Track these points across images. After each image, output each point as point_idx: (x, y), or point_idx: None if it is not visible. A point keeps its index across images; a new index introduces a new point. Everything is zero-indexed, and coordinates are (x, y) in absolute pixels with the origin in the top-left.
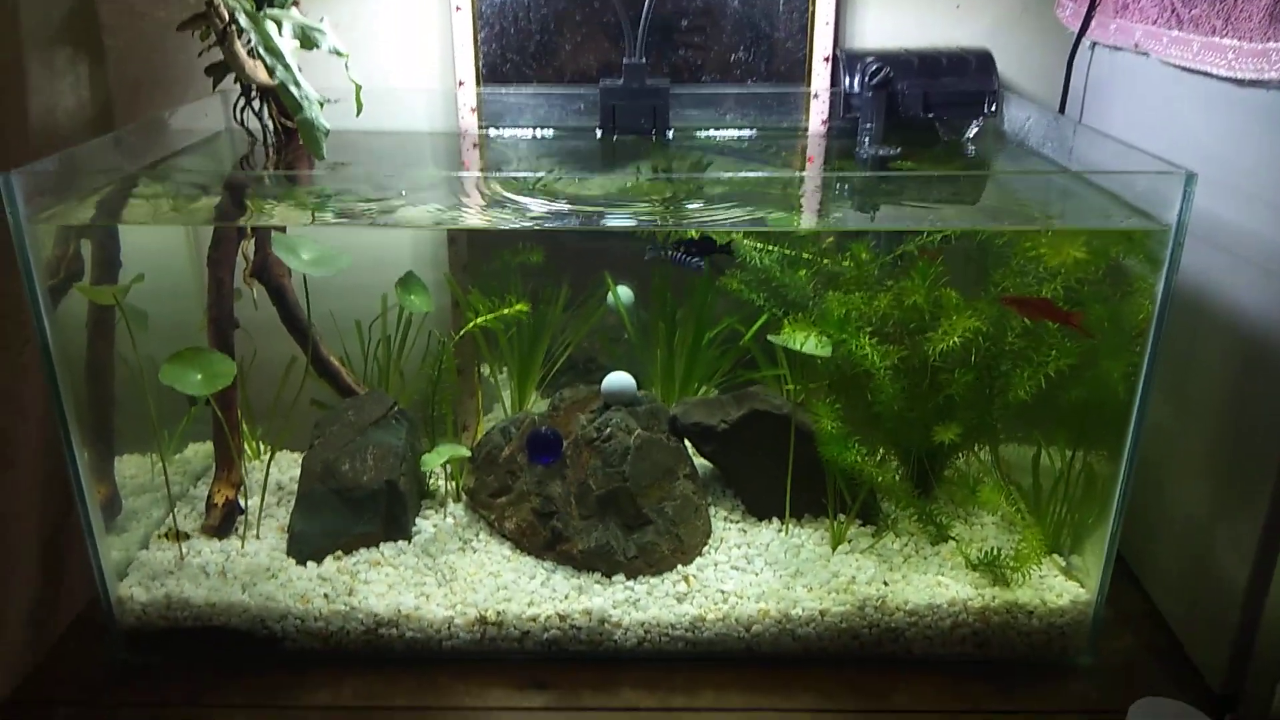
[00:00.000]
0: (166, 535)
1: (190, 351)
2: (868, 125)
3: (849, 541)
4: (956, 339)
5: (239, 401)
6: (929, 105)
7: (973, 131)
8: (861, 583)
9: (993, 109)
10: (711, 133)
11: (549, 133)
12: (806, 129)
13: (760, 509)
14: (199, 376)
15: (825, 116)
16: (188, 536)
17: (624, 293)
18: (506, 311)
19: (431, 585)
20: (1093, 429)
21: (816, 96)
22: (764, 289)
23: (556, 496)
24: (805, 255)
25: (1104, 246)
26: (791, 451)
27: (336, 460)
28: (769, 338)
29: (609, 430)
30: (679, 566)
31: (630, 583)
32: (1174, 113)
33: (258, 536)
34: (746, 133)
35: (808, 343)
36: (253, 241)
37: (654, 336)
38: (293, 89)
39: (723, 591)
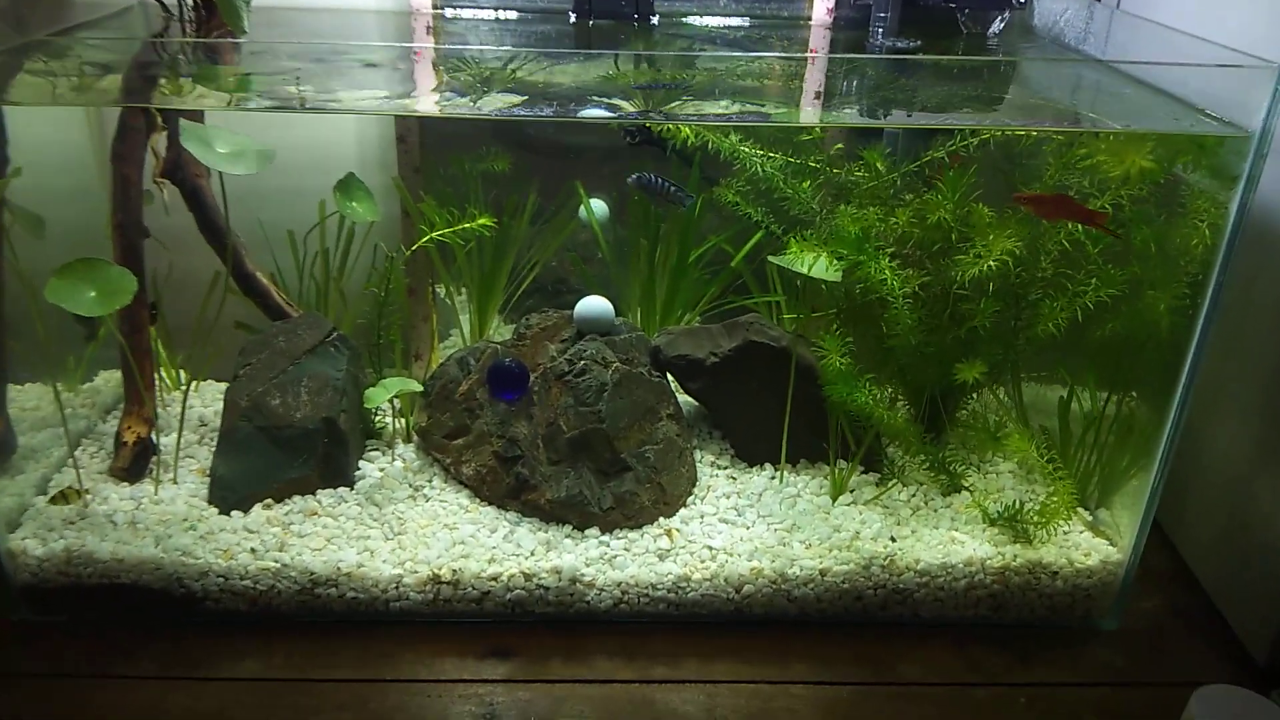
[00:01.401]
0: (55, 500)
1: (82, 263)
2: (881, 14)
3: (851, 491)
4: (992, 263)
5: (148, 321)
6: None
7: (999, 25)
8: (866, 538)
9: (1021, 0)
10: (701, 20)
11: (513, 15)
12: (809, 18)
13: (751, 453)
14: (93, 293)
15: (832, 4)
16: (82, 495)
17: (598, 206)
18: (467, 225)
19: (377, 538)
20: (1131, 368)
21: None
22: (762, 202)
23: (522, 438)
24: (811, 163)
25: (1167, 157)
26: (791, 389)
27: (265, 394)
28: (769, 259)
29: (582, 363)
30: (661, 519)
31: (605, 537)
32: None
33: (174, 481)
34: (740, 21)
35: (816, 265)
36: (164, 135)
37: (632, 255)
38: None
39: (710, 547)
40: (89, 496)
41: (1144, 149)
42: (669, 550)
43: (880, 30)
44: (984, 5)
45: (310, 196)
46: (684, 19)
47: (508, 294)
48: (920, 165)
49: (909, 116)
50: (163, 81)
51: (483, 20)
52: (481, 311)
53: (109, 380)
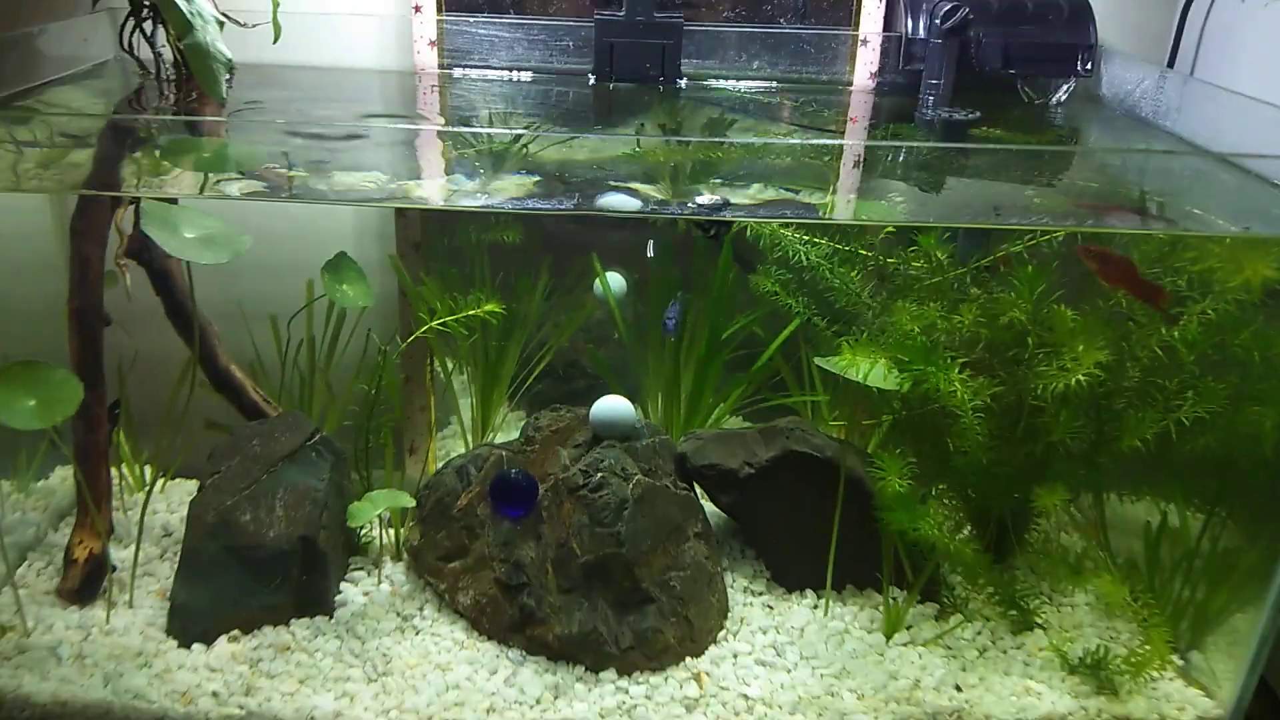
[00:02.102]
0: None
1: (20, 368)
2: (934, 81)
3: (908, 628)
4: (1081, 376)
5: (106, 422)
6: (1010, 59)
7: (1063, 94)
8: (928, 688)
9: (1088, 67)
10: (732, 84)
11: (527, 76)
12: (850, 83)
13: (790, 576)
14: (32, 403)
15: (875, 68)
16: (6, 632)
17: (614, 281)
18: (471, 313)
19: (358, 680)
20: (1230, 490)
21: (865, 42)
22: (805, 292)
23: (528, 563)
24: (860, 251)
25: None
26: (839, 507)
27: (234, 508)
28: (818, 361)
29: (599, 475)
30: (688, 660)
31: (623, 681)
32: None
33: (130, 605)
34: (772, 85)
35: (874, 373)
36: (131, 209)
37: (653, 338)
38: (180, 2)
39: (746, 697)
40: (31, 625)
41: (1269, 256)
42: (698, 700)
43: (931, 99)
44: (1047, 73)
45: (298, 273)
46: (712, 82)
47: (513, 379)
48: (993, 259)
49: (973, 215)
50: (136, 157)
51: (494, 81)
52: (486, 399)
53: (66, 479)
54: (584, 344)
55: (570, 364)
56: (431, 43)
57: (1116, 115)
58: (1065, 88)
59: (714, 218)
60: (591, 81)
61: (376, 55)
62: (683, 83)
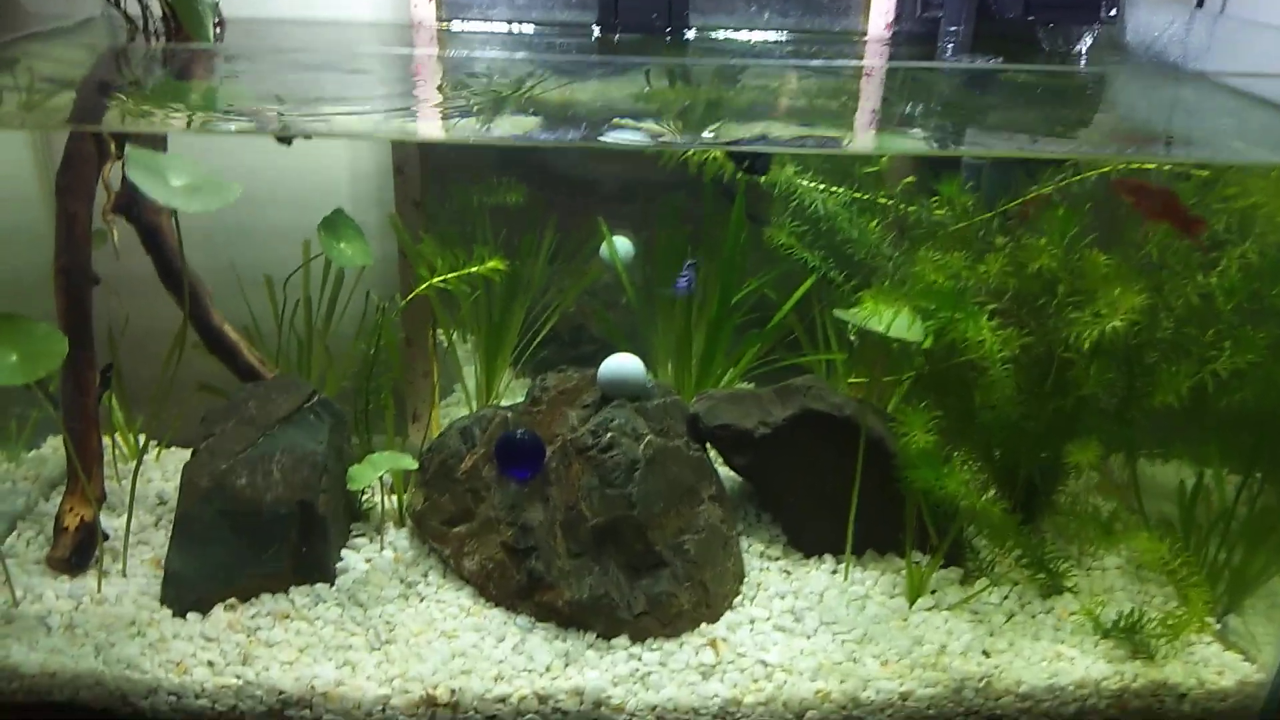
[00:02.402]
0: None
1: (1, 321)
2: (953, 28)
3: (932, 592)
4: (1118, 323)
5: (96, 385)
6: (1031, 5)
7: (1086, 42)
8: (955, 653)
9: (1112, 13)
10: (740, 35)
11: (529, 29)
12: (864, 33)
13: (808, 541)
14: (13, 357)
15: (891, 18)
16: None
17: (622, 244)
18: (473, 269)
19: (360, 649)
20: (1271, 446)
21: None
22: (821, 245)
23: (536, 526)
24: (880, 199)
25: None
26: (859, 467)
27: (230, 471)
28: (837, 313)
29: (609, 435)
30: (703, 625)
31: (637, 648)
32: None
33: (124, 574)
34: (783, 36)
35: (897, 322)
36: (118, 165)
37: (662, 302)
38: None
39: (764, 663)
40: (20, 595)
41: None
42: (714, 666)
43: (951, 45)
44: (1069, 19)
45: (293, 235)
46: (720, 32)
47: (519, 343)
48: (1021, 202)
49: (1006, 141)
50: (120, 100)
51: (493, 34)
52: (490, 365)
53: (57, 449)
54: (591, 308)
55: (576, 328)
56: None
57: (1142, 62)
58: (1088, 36)
59: (751, 148)
60: (596, 34)
61: (371, 7)
62: (690, 34)
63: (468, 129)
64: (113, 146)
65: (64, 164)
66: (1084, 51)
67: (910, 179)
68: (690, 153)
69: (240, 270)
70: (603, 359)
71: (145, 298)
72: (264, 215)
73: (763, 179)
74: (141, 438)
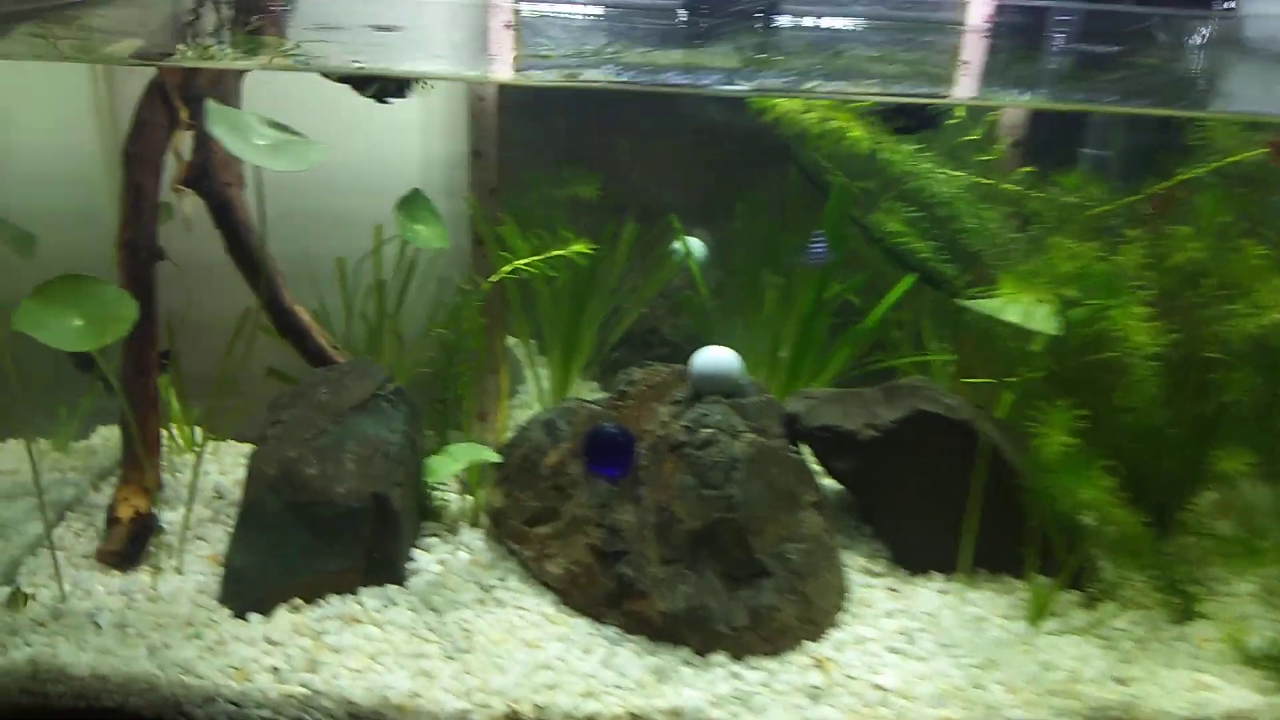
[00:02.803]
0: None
1: (64, 282)
2: (1065, 16)
3: (1056, 615)
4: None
5: (157, 366)
6: None
7: (1202, 35)
8: (1088, 680)
9: (1229, 5)
10: (832, 22)
11: (604, 10)
12: (964, 22)
13: (913, 558)
14: (79, 322)
15: (992, 7)
16: (26, 601)
17: (694, 244)
18: (558, 252)
19: (435, 657)
20: None
21: None
22: (934, 233)
23: (626, 528)
24: (1005, 186)
25: None
26: (979, 477)
27: (300, 460)
28: (961, 303)
29: (706, 431)
30: (806, 643)
31: (737, 666)
32: None
33: (179, 570)
34: (877, 24)
35: (1031, 312)
36: (190, 136)
37: (741, 304)
38: None
39: (880, 687)
40: (67, 590)
41: None
42: (822, 689)
43: (1063, 35)
44: (1184, 8)
45: (360, 225)
46: (812, 20)
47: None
48: (1163, 190)
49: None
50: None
51: (570, 16)
52: (565, 364)
53: (108, 439)
54: (664, 309)
55: (649, 331)
56: None
57: (1265, 58)
58: (1204, 28)
59: (905, 99)
60: (682, 18)
61: None
62: (783, 20)
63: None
64: (184, 114)
65: (133, 132)
66: (1200, 44)
67: (1027, 169)
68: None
69: (308, 258)
70: (677, 362)
71: (207, 281)
72: (333, 201)
73: (930, 131)
74: (198, 431)
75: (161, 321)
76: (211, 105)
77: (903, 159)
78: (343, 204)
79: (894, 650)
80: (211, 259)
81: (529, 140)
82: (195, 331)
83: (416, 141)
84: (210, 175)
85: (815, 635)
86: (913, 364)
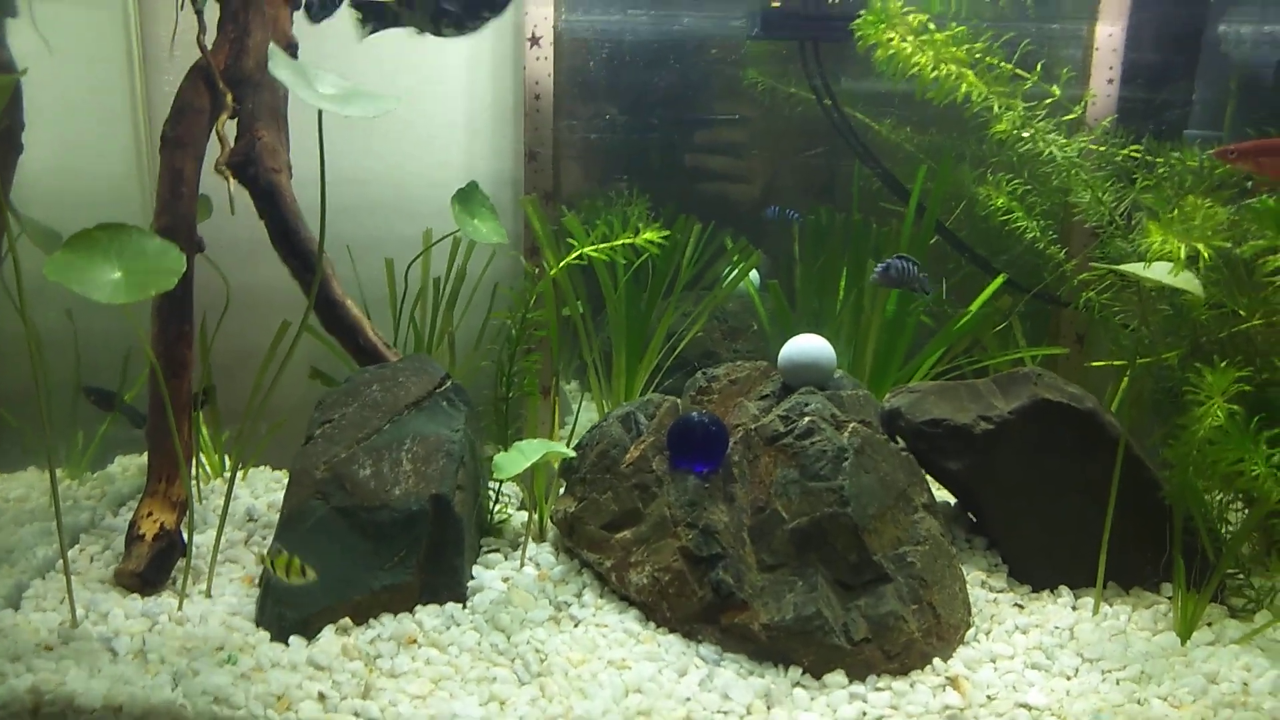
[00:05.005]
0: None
1: (103, 232)
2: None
3: (1209, 625)
4: None
5: (194, 369)
6: None
7: None
8: (1263, 693)
9: None
10: None
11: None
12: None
13: (1033, 571)
14: (117, 274)
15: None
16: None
17: (752, 275)
18: (631, 239)
19: (507, 682)
20: None
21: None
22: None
23: (721, 529)
24: (1127, 152)
25: None
26: (1116, 475)
27: (351, 460)
28: (1093, 264)
29: (807, 420)
30: (935, 661)
31: (859, 687)
32: None
33: (208, 593)
34: None
35: (1180, 271)
36: (231, 118)
37: (797, 325)
38: None
39: (1027, 706)
40: (80, 614)
41: None
42: (962, 710)
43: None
44: None
45: (414, 219)
46: None
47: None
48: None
49: None
50: None
51: None
52: (630, 372)
53: (127, 468)
54: (722, 330)
55: (706, 354)
56: None
57: None
58: None
59: None
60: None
61: None
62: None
63: None
64: (228, 98)
65: (173, 115)
66: None
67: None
68: None
69: (355, 252)
70: None
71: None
72: (383, 196)
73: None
74: (226, 460)
75: (195, 345)
76: (273, 50)
77: (1010, 121)
78: (397, 198)
79: (1035, 666)
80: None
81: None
82: (234, 339)
83: (460, 153)
84: (256, 161)
85: (944, 652)
86: (1012, 362)
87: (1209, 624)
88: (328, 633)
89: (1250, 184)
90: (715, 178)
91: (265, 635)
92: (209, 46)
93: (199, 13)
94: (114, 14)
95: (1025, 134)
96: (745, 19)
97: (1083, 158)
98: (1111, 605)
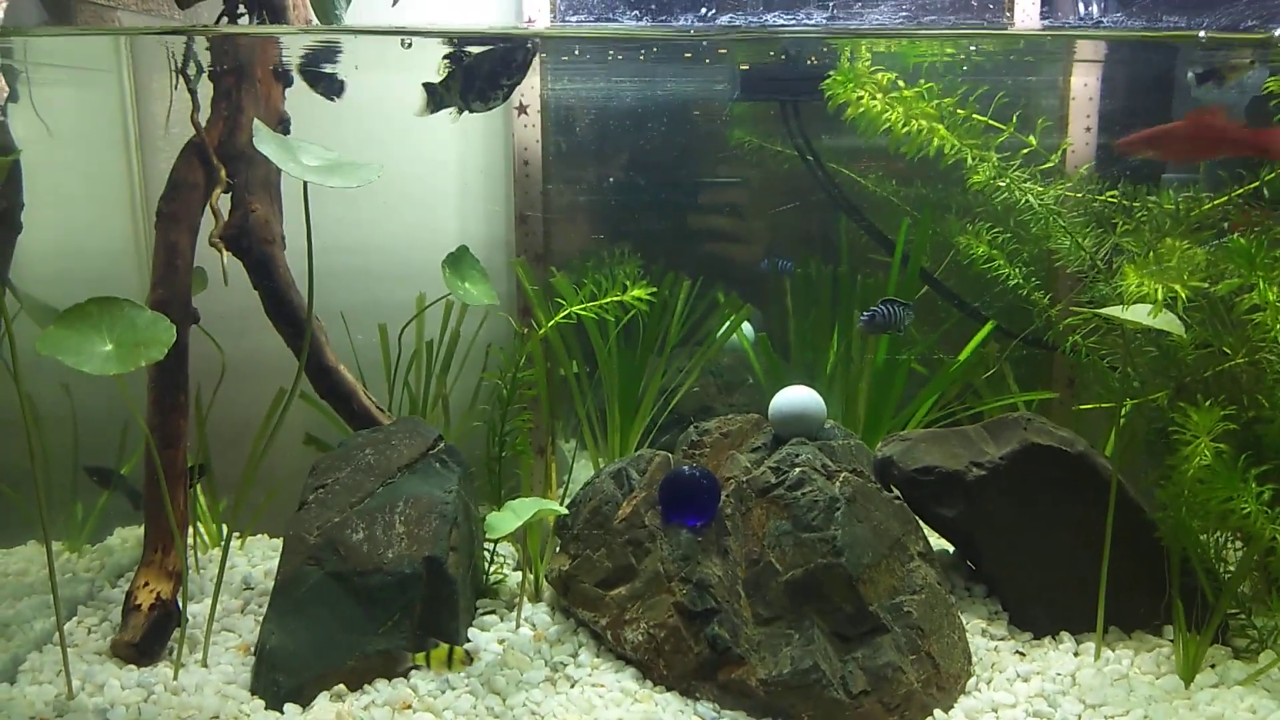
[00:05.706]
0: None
1: (95, 305)
2: None
3: (1212, 667)
4: None
5: (187, 440)
6: None
7: None
8: None
9: None
10: None
11: None
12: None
13: (1034, 617)
14: (108, 346)
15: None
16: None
17: (744, 326)
18: (619, 297)
19: None
20: None
21: None
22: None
23: (715, 583)
24: (1104, 198)
25: None
26: (1109, 518)
27: (344, 525)
28: (1075, 308)
29: (797, 470)
30: (936, 712)
31: None
32: None
33: (203, 662)
34: None
35: (1159, 313)
36: (225, 192)
37: (789, 378)
38: None
39: None
40: (77, 686)
41: None
42: None
43: None
44: None
45: (407, 283)
46: None
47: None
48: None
49: None
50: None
51: None
52: (624, 429)
53: (126, 540)
54: (717, 385)
55: (702, 410)
56: None
57: None
58: None
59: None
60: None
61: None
62: None
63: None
64: (222, 173)
65: (168, 190)
66: None
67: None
68: None
69: (349, 319)
70: None
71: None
72: (377, 262)
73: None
74: (223, 529)
75: (190, 417)
76: (258, 124)
77: (985, 174)
78: (389, 263)
79: (1037, 715)
80: (233, 352)
81: (574, 213)
82: (230, 406)
83: (453, 215)
84: (249, 233)
85: (945, 703)
86: (1004, 407)
87: (1212, 665)
88: (322, 699)
89: (1227, 224)
90: (704, 235)
91: (260, 704)
92: (203, 124)
93: (193, 91)
94: (110, 95)
95: (1001, 183)
96: (727, 82)
97: (1060, 205)
98: (1114, 650)
